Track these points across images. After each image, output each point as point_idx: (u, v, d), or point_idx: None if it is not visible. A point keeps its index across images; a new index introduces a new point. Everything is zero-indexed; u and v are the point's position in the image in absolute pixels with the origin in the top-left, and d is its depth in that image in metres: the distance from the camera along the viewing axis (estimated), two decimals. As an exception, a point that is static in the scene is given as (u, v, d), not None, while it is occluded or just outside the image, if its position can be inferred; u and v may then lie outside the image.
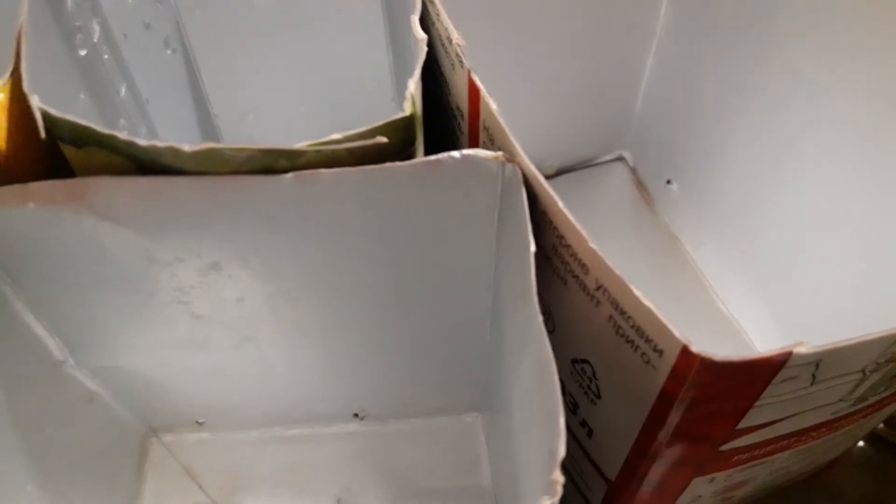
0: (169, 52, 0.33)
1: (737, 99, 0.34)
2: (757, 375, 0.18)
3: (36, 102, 0.20)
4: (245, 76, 0.35)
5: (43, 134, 0.20)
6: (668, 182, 0.40)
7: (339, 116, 0.36)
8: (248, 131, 0.37)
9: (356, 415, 0.33)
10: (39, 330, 0.25)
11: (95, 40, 0.28)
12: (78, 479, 0.28)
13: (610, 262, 0.19)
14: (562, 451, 0.17)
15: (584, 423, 0.24)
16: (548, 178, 0.41)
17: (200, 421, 0.32)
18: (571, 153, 0.42)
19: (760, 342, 0.36)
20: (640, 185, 0.42)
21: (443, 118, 0.27)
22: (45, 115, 0.20)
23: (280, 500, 0.32)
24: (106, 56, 0.29)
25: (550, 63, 0.37)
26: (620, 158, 0.43)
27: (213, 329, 0.26)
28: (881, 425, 0.34)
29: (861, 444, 0.34)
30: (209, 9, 0.32)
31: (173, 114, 0.34)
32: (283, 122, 0.37)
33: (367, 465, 0.32)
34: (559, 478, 0.16)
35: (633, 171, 0.43)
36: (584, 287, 0.20)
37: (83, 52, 0.27)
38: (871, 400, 0.23)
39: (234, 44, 0.34)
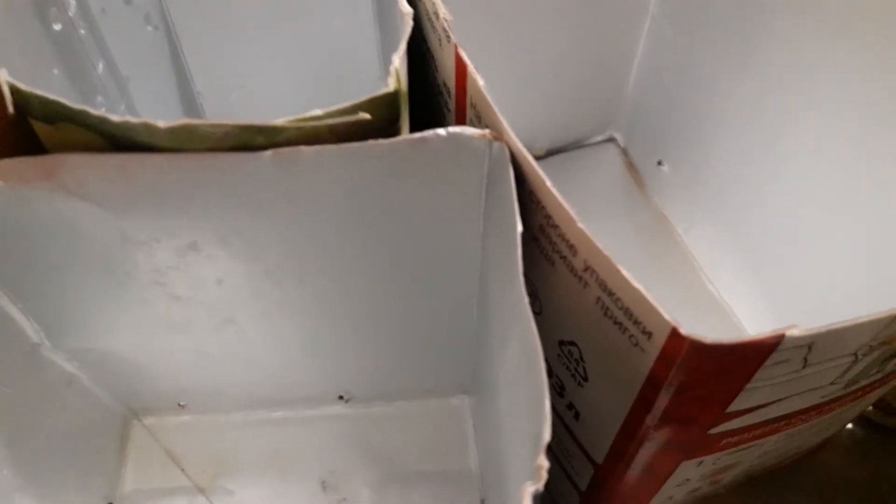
0: (150, 28, 0.32)
1: (730, 80, 0.34)
2: (748, 358, 0.18)
3: (3, 76, 0.19)
4: (229, 53, 0.34)
5: (11, 109, 0.19)
6: (660, 163, 0.40)
7: (326, 94, 0.36)
8: (233, 110, 0.36)
9: (341, 397, 0.32)
10: (14, 312, 0.25)
11: (71, 15, 0.27)
12: (57, 463, 0.28)
13: (598, 243, 0.18)
14: (547, 436, 0.16)
15: (571, 406, 0.24)
16: (538, 158, 0.41)
17: (182, 403, 0.32)
18: (562, 134, 0.42)
19: (751, 325, 0.36)
20: (630, 166, 0.42)
21: (429, 95, 0.26)
22: (14, 89, 0.19)
23: (264, 483, 0.31)
24: (83, 31, 0.28)
25: (541, 41, 0.36)
26: (611, 139, 0.43)
27: (193, 310, 0.25)
28: (871, 408, 0.34)
29: (850, 426, 0.34)
30: (192, -17, 0.32)
31: (154, 91, 0.34)
32: (269, 101, 0.36)
33: (353, 447, 0.32)
34: (544, 463, 0.16)
35: (624, 152, 0.42)
36: (571, 268, 0.20)
37: (58, 27, 0.26)
38: (863, 383, 0.23)
39: (218, 20, 0.33)
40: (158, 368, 0.29)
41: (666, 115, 0.39)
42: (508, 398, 0.23)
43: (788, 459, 0.31)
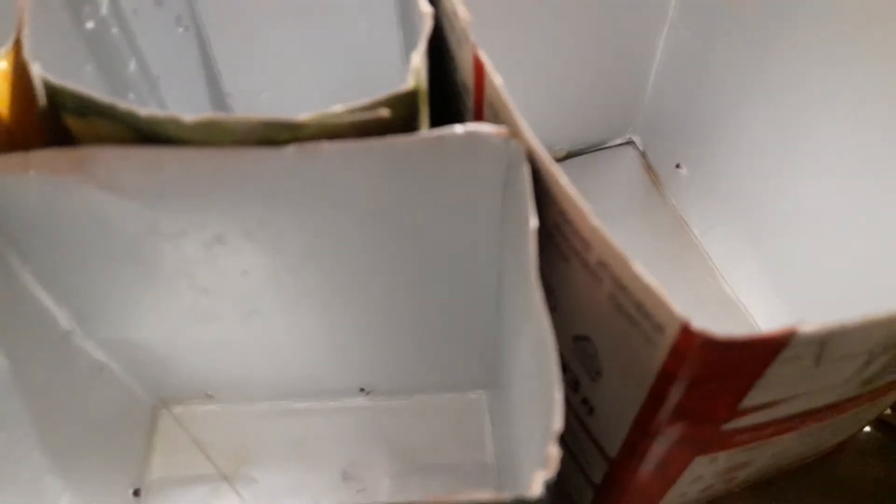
0: (181, 29, 0.33)
1: (750, 82, 0.34)
2: (759, 354, 0.18)
3: (37, 70, 0.20)
4: (258, 55, 0.35)
5: (43, 102, 0.20)
6: (678, 166, 0.40)
7: (351, 93, 0.36)
8: (262, 110, 0.36)
9: (363, 390, 0.33)
10: (46, 300, 0.25)
11: (103, 14, 0.28)
12: (86, 448, 0.28)
13: (611, 238, 0.19)
14: (558, 425, 0.17)
15: (585, 401, 0.24)
16: (558, 160, 0.41)
17: (210, 393, 0.33)
18: (581, 137, 0.42)
19: (767, 326, 0.35)
20: (649, 168, 0.42)
21: (449, 95, 0.27)
22: (46, 83, 0.20)
23: (287, 472, 0.32)
24: (115, 30, 0.29)
25: (560, 45, 0.36)
26: (630, 142, 0.43)
27: (219, 302, 0.26)
28: (888, 410, 0.34)
29: (868, 429, 0.34)
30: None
31: (184, 91, 0.34)
32: (296, 100, 0.36)
33: (373, 439, 0.32)
34: (555, 452, 0.16)
35: (643, 154, 0.42)
36: (585, 264, 0.20)
37: (90, 25, 0.27)
38: (879, 383, 0.23)
39: (247, 22, 0.33)
40: (186, 358, 0.30)
41: (684, 119, 0.38)
42: (523, 392, 0.23)
43: (805, 459, 0.31)
